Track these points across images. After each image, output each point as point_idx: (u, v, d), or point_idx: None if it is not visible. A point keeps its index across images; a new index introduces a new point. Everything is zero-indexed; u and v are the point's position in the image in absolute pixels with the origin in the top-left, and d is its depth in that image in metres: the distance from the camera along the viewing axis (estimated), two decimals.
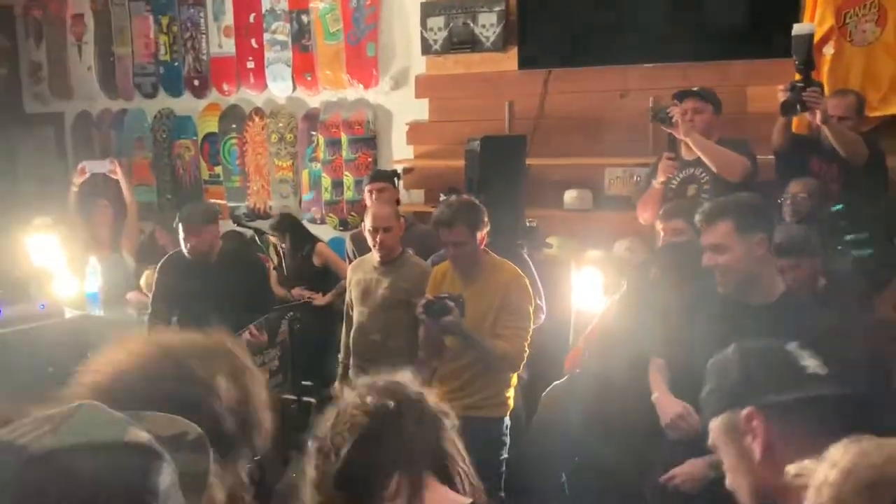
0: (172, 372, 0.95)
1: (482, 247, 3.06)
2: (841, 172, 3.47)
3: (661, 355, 2.51)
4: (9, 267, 4.83)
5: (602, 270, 3.79)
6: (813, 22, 3.80)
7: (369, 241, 3.43)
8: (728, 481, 1.27)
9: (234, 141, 5.81)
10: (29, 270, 4.48)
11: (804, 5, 3.97)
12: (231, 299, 3.56)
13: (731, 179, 3.30)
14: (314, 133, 5.47)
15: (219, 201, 5.78)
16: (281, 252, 4.63)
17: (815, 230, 2.91)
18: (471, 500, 1.17)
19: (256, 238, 4.55)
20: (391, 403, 1.18)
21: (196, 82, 5.91)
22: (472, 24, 4.74)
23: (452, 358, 2.99)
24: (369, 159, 5.27)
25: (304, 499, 1.19)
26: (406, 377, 1.26)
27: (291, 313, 3.88)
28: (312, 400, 4.05)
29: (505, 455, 3.07)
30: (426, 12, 4.87)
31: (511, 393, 3.11)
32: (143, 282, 4.60)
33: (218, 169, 5.92)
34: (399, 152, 5.18)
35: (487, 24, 4.71)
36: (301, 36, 5.40)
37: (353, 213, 5.28)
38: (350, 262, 3.99)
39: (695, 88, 3.55)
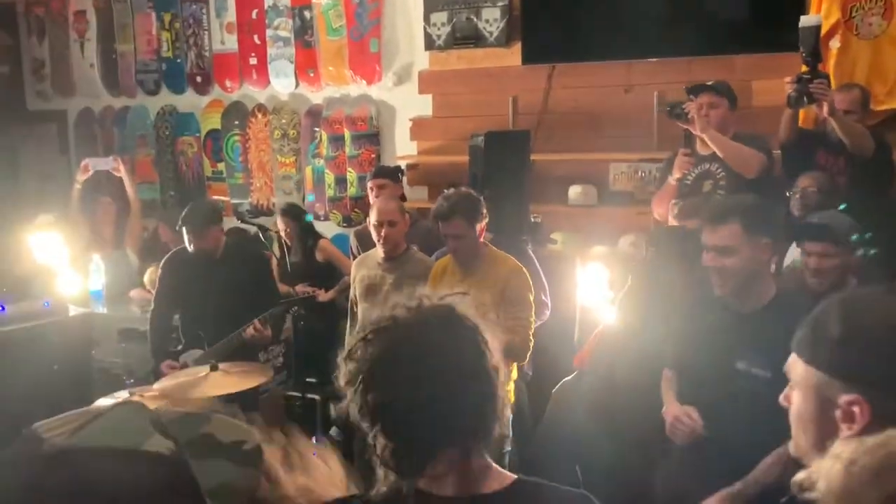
0: None
1: (482, 239, 3.09)
2: (847, 166, 3.45)
3: (668, 363, 2.48)
4: (12, 264, 4.83)
5: (607, 266, 3.78)
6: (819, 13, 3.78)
7: (374, 236, 3.42)
8: (792, 417, 1.18)
9: (236, 137, 5.80)
10: (32, 268, 4.47)
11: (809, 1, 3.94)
12: (235, 295, 3.55)
13: (747, 175, 3.27)
14: (317, 129, 5.46)
15: (222, 198, 5.77)
16: (285, 246, 4.63)
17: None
18: (516, 477, 1.14)
19: (260, 234, 4.55)
20: None
21: (199, 79, 5.90)
22: (475, 19, 4.72)
23: None
24: (372, 155, 5.25)
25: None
26: None
27: (295, 308, 3.87)
28: (317, 397, 4.05)
29: (508, 448, 3.06)
30: (429, 7, 4.85)
31: (511, 387, 3.10)
32: (146, 279, 4.60)
33: (221, 165, 5.91)
34: (402, 148, 5.17)
35: (491, 19, 4.69)
36: (304, 32, 5.39)
37: (356, 210, 5.27)
38: (354, 258, 3.98)
39: (710, 83, 3.51)
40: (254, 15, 5.56)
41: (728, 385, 2.18)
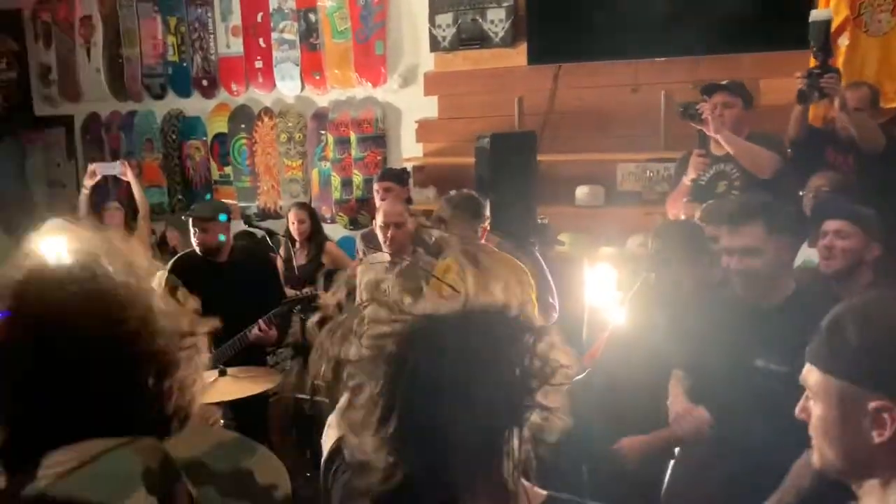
0: None
1: (484, 240, 3.12)
2: (857, 163, 3.43)
3: (678, 363, 2.46)
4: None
5: (615, 267, 3.76)
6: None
7: (380, 238, 3.42)
8: (815, 431, 1.15)
9: (243, 141, 5.81)
10: None
11: None
12: (242, 298, 3.55)
13: (762, 176, 3.25)
14: (323, 132, 5.46)
15: (230, 201, 5.78)
16: (291, 248, 4.63)
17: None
18: (546, 494, 1.10)
19: (267, 238, 4.55)
20: None
21: (205, 83, 5.91)
22: (480, 20, 4.71)
23: None
24: (379, 158, 5.25)
25: None
26: None
27: (300, 309, 3.86)
28: (326, 399, 4.03)
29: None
30: (434, 9, 4.85)
31: None
32: (154, 283, 4.60)
33: (228, 169, 5.92)
34: (408, 150, 5.16)
35: (496, 20, 4.68)
36: (309, 35, 5.39)
37: (363, 212, 5.26)
38: (360, 261, 3.97)
39: (723, 82, 3.48)
40: (259, 18, 5.56)
41: (747, 383, 2.16)
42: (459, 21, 4.77)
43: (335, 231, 5.35)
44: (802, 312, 2.10)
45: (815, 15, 3.29)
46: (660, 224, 3.29)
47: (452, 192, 3.21)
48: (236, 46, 5.70)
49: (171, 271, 3.80)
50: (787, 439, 1.84)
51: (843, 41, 3.83)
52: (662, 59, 4.33)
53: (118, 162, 5.21)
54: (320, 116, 5.48)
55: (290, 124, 5.60)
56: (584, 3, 4.48)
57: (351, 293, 4.08)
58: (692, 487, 2.31)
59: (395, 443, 0.94)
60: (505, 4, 4.65)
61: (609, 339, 3.22)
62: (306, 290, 4.29)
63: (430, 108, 5.08)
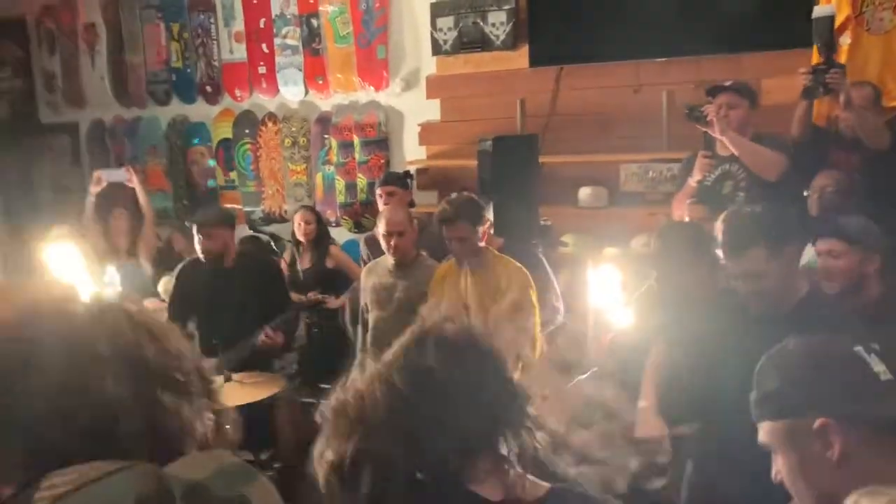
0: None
1: (484, 242, 3.14)
2: (862, 163, 3.42)
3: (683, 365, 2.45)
4: (27, 276, 4.87)
5: (619, 267, 3.76)
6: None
7: (383, 246, 3.44)
8: (788, 484, 1.20)
9: (247, 146, 5.84)
10: (48, 280, 4.50)
11: None
12: (248, 303, 3.57)
13: (768, 178, 3.23)
14: (327, 136, 5.48)
15: (235, 206, 5.81)
16: (296, 252, 4.65)
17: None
18: (549, 486, 1.15)
19: (272, 243, 4.57)
20: None
21: (209, 88, 5.93)
22: (481, 24, 4.72)
23: None
24: (382, 161, 5.27)
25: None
26: None
27: (307, 315, 3.89)
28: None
29: None
30: (435, 13, 4.86)
31: None
32: (161, 288, 4.63)
33: (233, 174, 5.94)
34: (411, 153, 5.18)
35: (497, 23, 4.69)
36: (311, 40, 5.41)
37: (367, 216, 5.28)
38: (364, 264, 3.99)
39: (728, 83, 3.46)
40: (262, 24, 5.58)
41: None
42: (460, 24, 4.78)
43: (339, 234, 5.37)
44: (813, 317, 2.10)
45: (819, 11, 3.29)
46: (662, 225, 3.28)
47: (453, 195, 3.23)
48: (239, 52, 5.73)
49: (177, 277, 3.83)
50: None
51: (845, 40, 3.82)
52: (664, 59, 4.34)
53: (123, 168, 5.23)
54: (324, 121, 5.50)
55: (293, 129, 5.62)
56: (584, 5, 4.48)
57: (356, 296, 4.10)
58: (706, 496, 2.31)
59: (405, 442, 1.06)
60: (506, 7, 4.65)
61: (613, 342, 3.22)
62: (312, 296, 4.32)
63: (432, 111, 5.09)
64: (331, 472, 1.08)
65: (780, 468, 1.21)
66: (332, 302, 4.46)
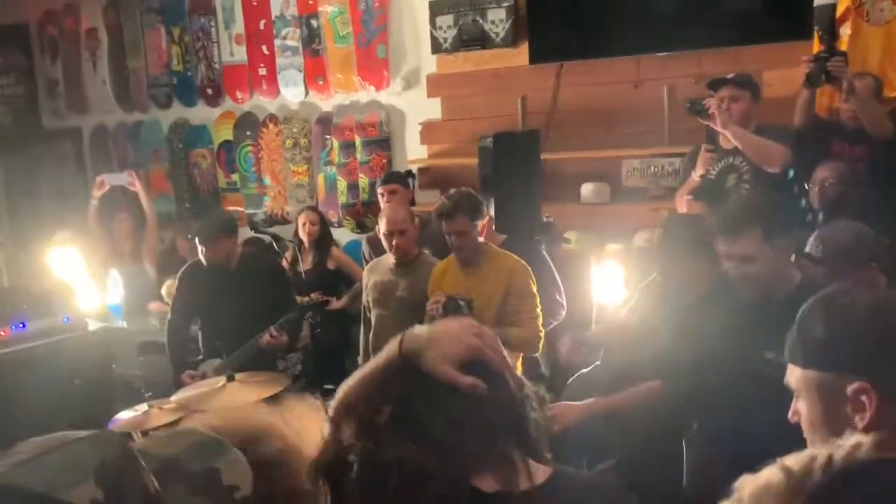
0: None
1: (483, 237, 3.16)
2: (864, 154, 3.40)
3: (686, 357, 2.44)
4: (32, 281, 4.90)
5: (622, 263, 3.76)
6: None
7: (385, 245, 3.44)
8: (804, 428, 1.17)
9: (249, 148, 5.85)
10: (52, 284, 4.53)
11: None
12: (251, 304, 3.58)
13: (772, 170, 3.22)
14: (328, 137, 5.48)
15: (237, 208, 5.82)
16: (298, 252, 4.66)
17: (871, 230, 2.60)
18: (553, 469, 1.13)
19: (274, 244, 4.57)
20: None
21: (209, 91, 5.94)
22: (481, 21, 4.72)
23: None
24: (384, 161, 5.27)
25: None
26: None
27: (310, 315, 3.89)
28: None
29: None
30: (435, 11, 4.85)
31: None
32: (164, 291, 4.64)
33: (235, 176, 5.95)
34: (413, 152, 5.17)
35: (497, 20, 4.68)
36: (311, 40, 5.41)
37: (369, 216, 5.28)
38: (367, 264, 3.99)
39: (730, 75, 3.45)
40: (261, 25, 5.59)
41: (759, 376, 2.16)
42: (460, 22, 4.78)
43: (342, 235, 5.38)
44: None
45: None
46: (667, 217, 3.28)
47: (451, 191, 3.23)
48: (240, 54, 5.74)
49: (180, 279, 3.83)
50: (795, 431, 1.85)
51: (845, 31, 3.80)
52: (664, 53, 4.32)
53: (126, 172, 5.25)
54: (325, 121, 5.50)
55: (294, 130, 5.63)
56: (583, 1, 4.48)
57: (358, 296, 4.12)
58: (708, 479, 2.31)
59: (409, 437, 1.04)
60: (505, 4, 4.65)
61: (616, 331, 3.21)
62: (315, 296, 4.32)
63: (433, 109, 5.09)
64: (322, 466, 1.07)
65: (800, 412, 1.17)
66: (334, 303, 4.47)
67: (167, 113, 6.17)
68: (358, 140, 5.32)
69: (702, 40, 4.20)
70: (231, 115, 5.90)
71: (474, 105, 4.89)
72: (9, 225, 6.49)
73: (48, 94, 6.75)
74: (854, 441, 0.92)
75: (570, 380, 3.32)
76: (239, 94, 5.82)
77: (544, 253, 3.64)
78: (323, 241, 4.73)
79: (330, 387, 4.13)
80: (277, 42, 5.53)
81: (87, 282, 4.66)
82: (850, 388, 1.09)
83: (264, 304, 3.61)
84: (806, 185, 3.33)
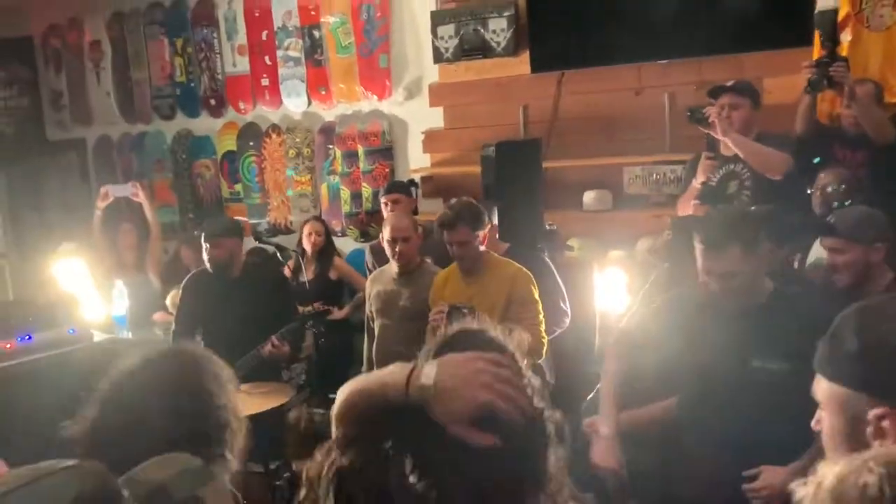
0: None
1: (484, 245, 3.19)
2: (866, 160, 3.41)
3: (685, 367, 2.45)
4: (37, 293, 4.91)
5: (625, 270, 3.76)
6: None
7: (388, 252, 3.45)
8: (825, 438, 1.15)
9: (252, 158, 5.87)
10: (57, 296, 4.55)
11: None
12: (254, 314, 3.59)
13: (773, 177, 3.23)
14: (331, 146, 5.50)
15: (241, 219, 5.84)
16: (301, 262, 4.68)
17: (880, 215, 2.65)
18: None
19: (278, 254, 4.59)
20: None
21: (213, 102, 5.97)
22: (482, 31, 4.74)
23: None
24: (386, 170, 5.29)
25: None
26: None
27: (311, 324, 3.90)
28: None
29: None
30: (436, 21, 4.88)
31: None
32: (169, 301, 4.65)
33: (238, 187, 5.98)
34: (416, 161, 5.19)
35: (498, 30, 4.71)
36: (314, 51, 5.44)
37: (372, 225, 5.30)
38: (370, 273, 4.00)
39: (730, 83, 3.46)
40: (264, 36, 5.63)
41: (747, 384, 2.17)
42: (461, 32, 4.80)
43: (346, 244, 5.39)
44: (787, 307, 2.19)
45: (823, 5, 3.29)
46: (675, 219, 3.30)
47: (453, 201, 3.25)
48: (242, 65, 5.77)
49: (183, 288, 3.85)
50: (789, 430, 1.85)
51: (845, 37, 3.81)
52: (665, 61, 4.34)
53: (130, 183, 5.28)
54: (327, 131, 5.53)
55: (297, 140, 5.66)
56: (584, 10, 4.49)
57: (360, 305, 4.13)
58: (698, 485, 2.31)
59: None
60: (506, 14, 4.67)
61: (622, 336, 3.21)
62: (317, 306, 4.33)
63: (435, 118, 5.11)
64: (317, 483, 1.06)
65: (823, 422, 1.16)
66: (336, 313, 4.49)
67: (171, 124, 6.21)
68: (361, 149, 5.35)
69: (702, 47, 4.21)
70: (234, 126, 5.92)
71: (476, 114, 4.91)
72: (13, 236, 6.51)
73: (52, 105, 6.79)
74: None
75: (589, 396, 3.32)
76: (242, 105, 5.84)
77: (548, 260, 3.65)
78: (326, 251, 4.75)
79: (334, 396, 4.15)
80: (280, 53, 5.56)
81: (91, 293, 4.68)
82: (872, 413, 1.06)
83: (266, 313, 3.62)
84: (808, 191, 3.33)
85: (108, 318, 4.69)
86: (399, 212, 3.96)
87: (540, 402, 1.07)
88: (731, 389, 2.21)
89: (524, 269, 3.18)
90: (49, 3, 6.38)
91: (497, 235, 3.57)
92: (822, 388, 1.15)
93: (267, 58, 5.63)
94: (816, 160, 3.45)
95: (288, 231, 5.64)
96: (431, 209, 4.91)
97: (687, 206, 3.47)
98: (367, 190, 5.36)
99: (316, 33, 5.42)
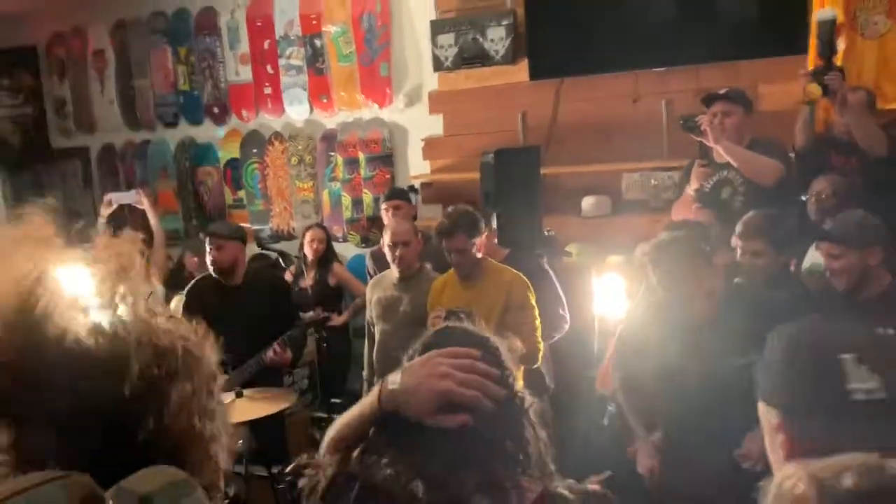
0: None
1: (482, 252, 3.22)
2: (861, 166, 3.44)
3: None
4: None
5: (623, 275, 3.80)
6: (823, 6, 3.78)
7: (388, 257, 3.50)
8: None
9: (255, 165, 5.92)
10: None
11: (812, 2, 3.96)
12: (257, 320, 3.62)
13: (765, 184, 3.26)
14: (332, 153, 5.56)
15: (244, 225, 5.88)
16: (302, 266, 4.72)
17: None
18: (543, 486, 1.15)
19: (281, 260, 4.63)
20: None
21: (216, 110, 6.03)
22: (481, 39, 4.79)
23: None
24: (387, 176, 5.34)
25: None
26: None
27: (312, 330, 3.94)
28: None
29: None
30: (436, 30, 4.94)
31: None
32: (172, 307, 4.69)
33: (241, 193, 6.03)
34: (416, 168, 5.24)
35: (496, 38, 4.76)
36: (315, 59, 5.50)
37: (373, 230, 5.34)
38: (371, 278, 4.04)
39: (722, 91, 3.49)
40: (266, 45, 5.68)
41: (718, 380, 2.23)
42: (460, 41, 4.85)
43: (347, 250, 5.44)
44: (741, 308, 2.31)
45: (821, 14, 3.34)
46: (668, 224, 3.32)
47: (450, 209, 3.30)
48: (245, 74, 5.83)
49: (187, 295, 3.89)
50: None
51: (840, 45, 3.85)
52: (662, 68, 4.39)
53: (133, 191, 5.32)
54: (329, 138, 5.58)
55: (299, 147, 5.71)
56: (582, 17, 4.55)
57: (359, 311, 4.16)
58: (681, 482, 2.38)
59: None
60: (504, 23, 4.73)
61: (618, 348, 3.25)
62: (319, 312, 4.38)
63: (435, 126, 5.16)
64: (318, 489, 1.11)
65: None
66: (336, 319, 4.54)
67: (174, 132, 6.26)
68: (362, 156, 5.40)
69: (699, 55, 4.26)
70: (237, 134, 5.98)
71: (475, 121, 4.96)
72: None
73: (56, 114, 6.85)
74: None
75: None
76: (245, 113, 5.90)
77: (546, 266, 3.68)
78: (325, 257, 4.80)
79: (336, 401, 4.19)
80: (282, 61, 5.62)
81: (95, 300, 4.71)
82: (773, 420, 1.15)
83: (269, 320, 3.66)
84: (803, 198, 3.37)
85: None
86: (400, 217, 4.01)
87: (517, 385, 1.18)
88: (703, 387, 2.29)
89: (521, 275, 3.22)
90: (53, 13, 6.44)
91: (496, 241, 3.61)
92: (760, 408, 1.22)
93: (269, 66, 5.69)
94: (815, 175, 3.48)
95: (290, 237, 5.69)
96: (431, 215, 4.96)
97: (680, 212, 3.50)
98: (367, 196, 5.41)
99: (317, 42, 5.48)
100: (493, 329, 2.87)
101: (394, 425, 1.11)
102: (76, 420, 0.77)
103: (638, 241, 4.29)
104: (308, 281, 4.68)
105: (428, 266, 3.60)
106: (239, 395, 3.11)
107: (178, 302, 4.39)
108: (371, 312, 3.61)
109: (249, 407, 3.04)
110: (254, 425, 3.15)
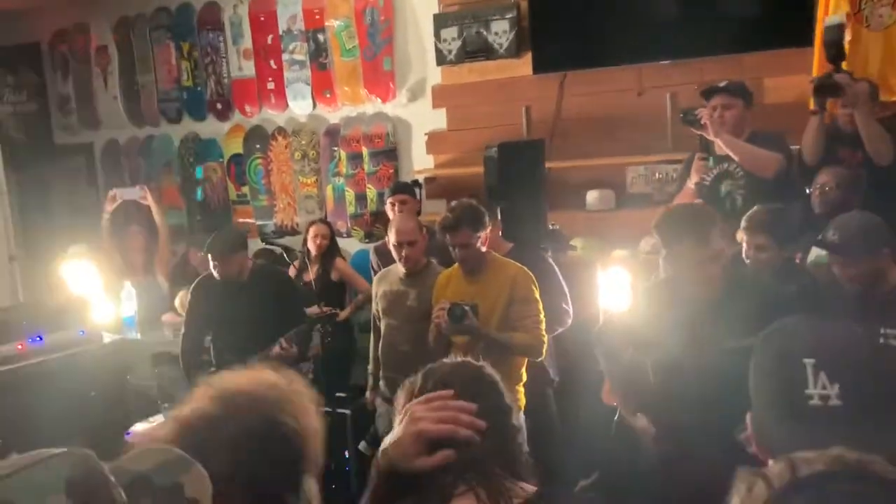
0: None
1: (489, 245, 3.23)
2: (865, 158, 3.42)
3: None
4: (48, 295, 4.97)
5: (628, 269, 3.79)
6: (828, 10, 3.78)
7: (394, 255, 3.50)
8: None
9: (259, 161, 5.92)
10: (67, 298, 4.60)
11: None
12: (263, 316, 3.63)
13: (765, 177, 3.26)
14: (336, 148, 5.55)
15: (248, 220, 5.89)
16: (307, 261, 4.73)
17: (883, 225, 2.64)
18: (536, 489, 1.19)
19: (285, 255, 4.64)
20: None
21: (219, 105, 6.03)
22: (484, 33, 4.78)
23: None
24: (391, 171, 5.33)
25: None
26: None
27: (319, 326, 3.95)
28: (347, 411, 4.11)
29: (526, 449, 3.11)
30: (439, 24, 4.93)
31: (521, 388, 3.15)
32: (177, 303, 4.71)
33: (245, 189, 6.03)
34: (419, 162, 5.24)
35: (500, 32, 4.75)
36: (318, 54, 5.49)
37: (377, 226, 5.34)
38: (375, 274, 4.05)
39: (721, 84, 3.49)
40: (269, 40, 5.68)
41: (716, 367, 2.22)
42: (464, 34, 4.84)
43: (351, 245, 5.44)
44: (741, 295, 2.36)
45: (830, 20, 3.34)
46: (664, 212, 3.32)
47: (454, 203, 3.30)
48: (248, 69, 5.82)
49: (192, 292, 3.90)
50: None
51: (845, 37, 3.84)
52: (666, 62, 4.38)
53: (137, 186, 5.33)
54: (332, 133, 5.58)
55: (303, 142, 5.71)
56: (585, 11, 4.54)
57: (361, 306, 4.17)
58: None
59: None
60: (508, 16, 4.72)
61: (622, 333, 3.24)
62: (324, 307, 4.38)
63: (439, 120, 5.15)
64: None
65: None
66: (340, 314, 4.56)
67: (177, 127, 6.26)
68: (365, 151, 5.39)
69: (703, 48, 4.25)
70: (241, 129, 5.98)
71: (479, 115, 4.95)
72: (23, 239, 6.56)
73: (60, 110, 6.85)
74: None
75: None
76: (248, 108, 5.90)
77: (551, 260, 3.68)
78: (329, 252, 4.80)
79: (341, 395, 4.20)
80: (285, 56, 5.62)
81: (101, 295, 4.73)
82: (744, 434, 1.16)
83: (275, 315, 3.67)
84: (807, 190, 3.36)
85: (118, 319, 4.75)
86: (405, 215, 4.00)
87: (513, 409, 1.26)
88: (701, 374, 2.31)
89: (525, 269, 3.22)
90: (56, 9, 6.44)
91: (500, 235, 3.60)
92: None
93: (272, 61, 5.69)
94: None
95: (294, 232, 5.69)
96: (435, 210, 4.96)
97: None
98: (371, 191, 5.41)
99: (320, 37, 5.47)
100: (497, 322, 2.88)
101: (395, 482, 1.18)
102: None
103: (643, 235, 4.32)
104: (311, 275, 4.69)
105: (434, 261, 3.60)
106: None
107: (183, 297, 4.40)
108: (377, 306, 3.61)
109: None
110: None
